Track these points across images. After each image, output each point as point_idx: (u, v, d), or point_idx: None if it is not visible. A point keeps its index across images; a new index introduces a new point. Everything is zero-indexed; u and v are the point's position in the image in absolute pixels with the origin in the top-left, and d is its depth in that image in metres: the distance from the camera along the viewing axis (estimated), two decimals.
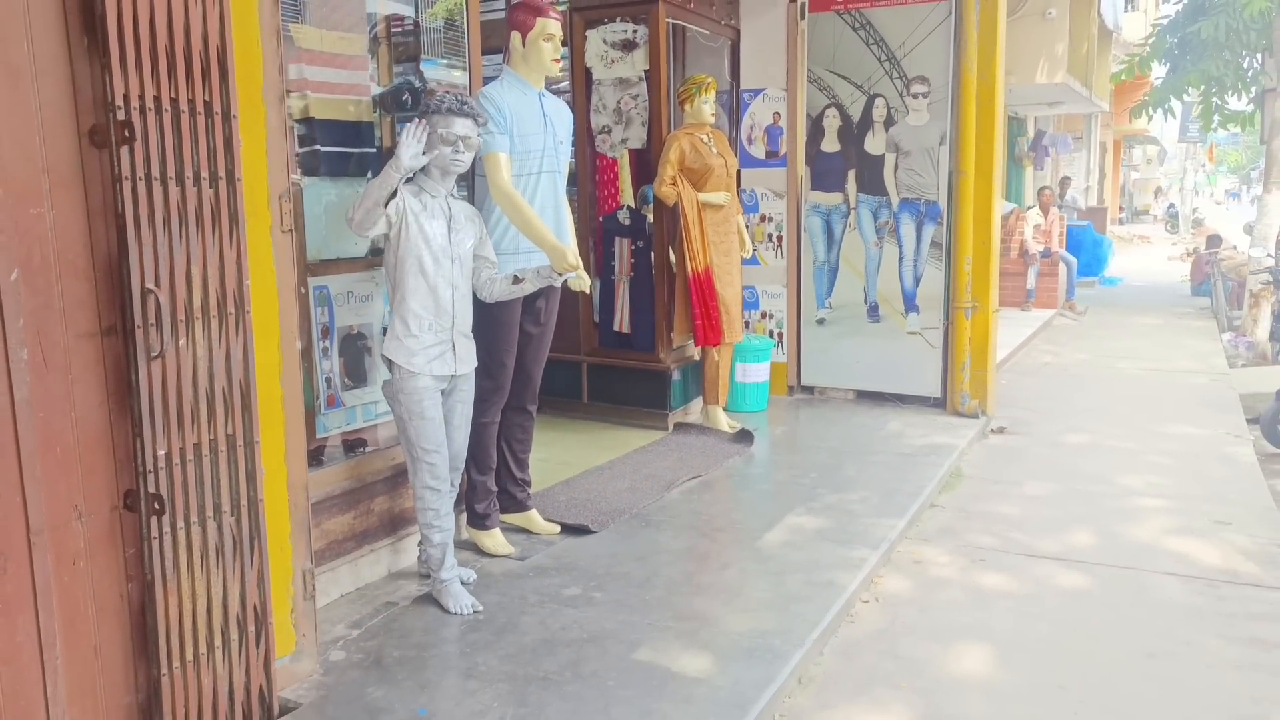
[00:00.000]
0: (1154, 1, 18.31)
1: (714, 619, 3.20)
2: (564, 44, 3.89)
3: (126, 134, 2.20)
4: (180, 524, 2.36)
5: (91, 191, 2.23)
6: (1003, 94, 5.92)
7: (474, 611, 3.24)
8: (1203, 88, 11.98)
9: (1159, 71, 13.63)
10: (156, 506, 2.31)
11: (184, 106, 2.30)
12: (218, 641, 2.47)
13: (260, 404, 2.54)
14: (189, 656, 2.42)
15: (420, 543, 3.46)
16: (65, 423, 2.21)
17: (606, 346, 5.87)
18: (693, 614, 3.24)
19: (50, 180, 2.15)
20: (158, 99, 2.25)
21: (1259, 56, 12.01)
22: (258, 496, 2.53)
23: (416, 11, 3.86)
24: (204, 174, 2.36)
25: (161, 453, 2.32)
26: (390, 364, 3.22)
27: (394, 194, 3.07)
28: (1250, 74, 12.29)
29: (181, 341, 2.34)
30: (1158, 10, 16.91)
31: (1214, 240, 13.40)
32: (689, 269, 5.35)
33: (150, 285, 2.27)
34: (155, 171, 2.26)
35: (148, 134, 2.24)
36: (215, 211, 2.39)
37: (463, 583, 3.39)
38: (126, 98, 2.19)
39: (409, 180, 3.23)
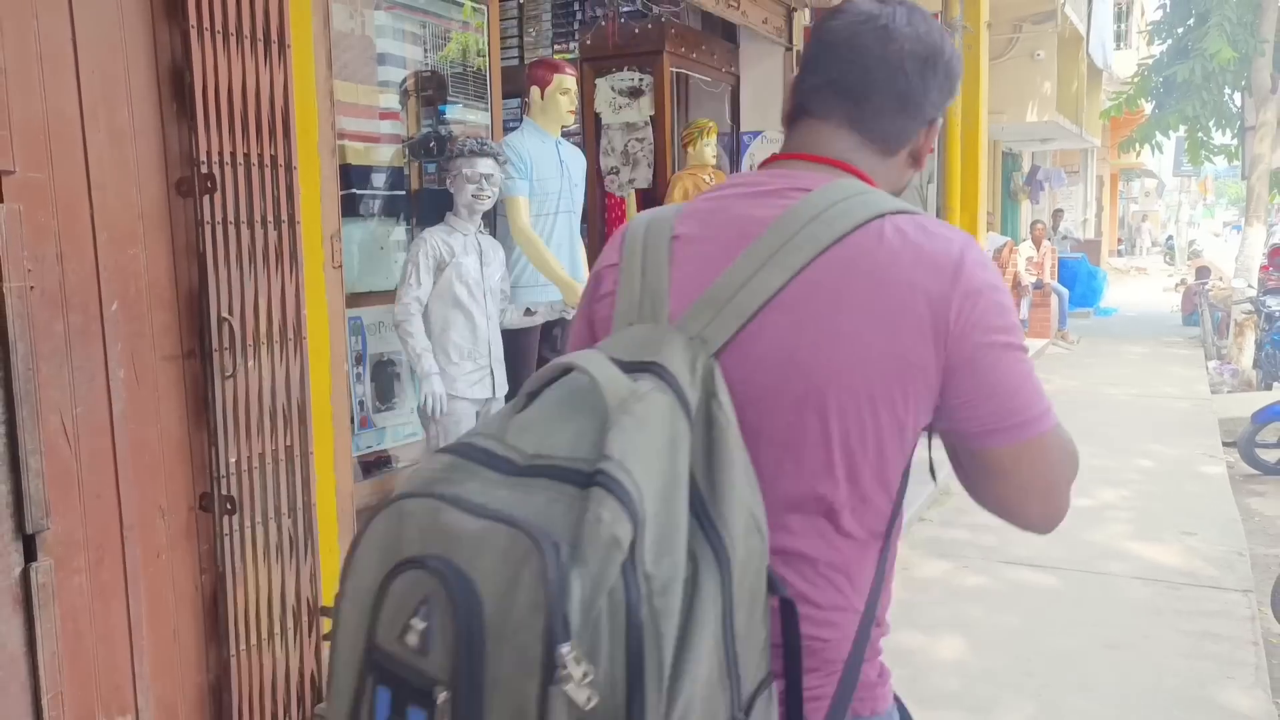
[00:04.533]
0: (1143, 40, 18.80)
1: None
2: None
3: (209, 185, 2.56)
4: (248, 523, 2.70)
5: (177, 234, 2.58)
6: (986, 135, 6.31)
7: None
8: (1183, 127, 12.39)
9: (1147, 108, 14.05)
10: (229, 507, 2.65)
11: (254, 160, 2.67)
12: (277, 629, 2.80)
13: (313, 420, 2.89)
14: (254, 641, 2.74)
15: None
16: (152, 433, 2.55)
17: None
18: None
19: (144, 225, 2.51)
20: (233, 154, 2.62)
21: (1238, 96, 12.41)
22: (311, 501, 2.86)
23: (442, 62, 4.24)
24: (270, 218, 2.72)
25: (232, 460, 2.66)
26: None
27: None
28: (1234, 110, 12.68)
29: (250, 363, 2.69)
30: (1147, 49, 17.39)
31: (1204, 272, 13.77)
32: None
33: (225, 314, 2.62)
34: (231, 216, 2.61)
35: (224, 184, 2.60)
36: (279, 251, 2.74)
37: None
38: (209, 153, 2.55)
39: (439, 221, 3.59)
